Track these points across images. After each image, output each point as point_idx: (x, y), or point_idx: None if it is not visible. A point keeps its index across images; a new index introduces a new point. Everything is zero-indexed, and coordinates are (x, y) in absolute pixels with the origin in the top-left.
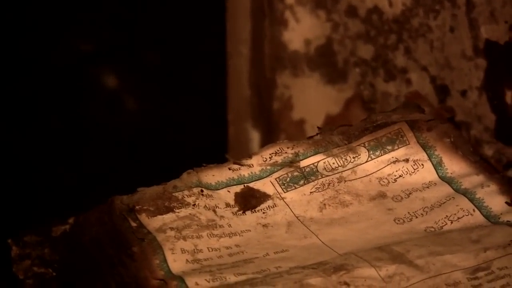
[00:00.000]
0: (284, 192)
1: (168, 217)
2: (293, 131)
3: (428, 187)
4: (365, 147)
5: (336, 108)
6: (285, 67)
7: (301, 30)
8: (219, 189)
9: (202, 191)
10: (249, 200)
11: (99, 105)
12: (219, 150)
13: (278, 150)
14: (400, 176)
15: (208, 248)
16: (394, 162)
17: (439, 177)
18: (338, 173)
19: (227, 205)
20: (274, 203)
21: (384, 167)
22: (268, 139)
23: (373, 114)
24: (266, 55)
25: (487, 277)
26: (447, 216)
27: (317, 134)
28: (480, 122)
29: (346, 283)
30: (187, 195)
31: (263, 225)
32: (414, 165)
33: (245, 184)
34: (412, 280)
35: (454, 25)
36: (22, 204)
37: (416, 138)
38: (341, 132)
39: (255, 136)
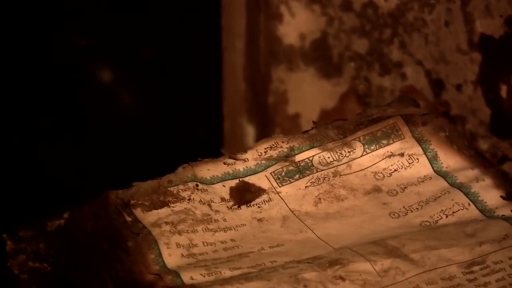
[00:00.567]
0: (279, 187)
1: (163, 211)
2: (288, 126)
3: (423, 181)
4: (360, 142)
5: (331, 102)
6: (280, 62)
7: (296, 25)
8: (214, 184)
9: (197, 185)
10: (244, 194)
11: (95, 100)
12: (214, 145)
13: (273, 145)
14: (395, 170)
15: (203, 242)
16: (389, 156)
17: (434, 171)
18: (333, 167)
19: (222, 199)
20: (269, 198)
21: (379, 161)
22: (263, 134)
23: (368, 108)
24: (261, 50)
25: (483, 271)
26: (442, 210)
27: (312, 128)
28: (475, 116)
29: (341, 278)
30: (182, 190)
31: (258, 220)
32: (409, 159)
33: (240, 179)
34: (408, 274)
35: (449, 19)
36: (17, 199)
37: (411, 132)
38: (336, 126)
39: (250, 131)
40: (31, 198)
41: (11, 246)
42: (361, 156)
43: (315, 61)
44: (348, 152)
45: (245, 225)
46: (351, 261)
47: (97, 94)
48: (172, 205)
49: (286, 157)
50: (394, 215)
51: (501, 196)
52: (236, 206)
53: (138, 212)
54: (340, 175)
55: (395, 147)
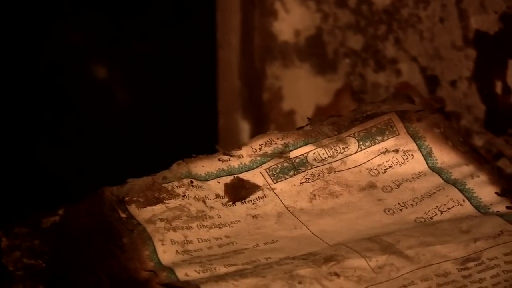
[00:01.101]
0: (274, 183)
1: (158, 208)
2: (283, 122)
3: (418, 178)
4: (355, 138)
5: (326, 98)
6: (275, 58)
7: (291, 21)
8: (209, 180)
9: (192, 182)
10: (239, 191)
11: (89, 96)
12: (209, 141)
13: (268, 141)
14: (390, 166)
15: (198, 239)
16: (384, 152)
17: (429, 167)
18: (328, 163)
19: (217, 196)
20: (264, 194)
21: (374, 157)
22: (258, 130)
23: (363, 104)
24: (256, 46)
25: (477, 267)
26: (437, 206)
27: (307, 124)
28: (470, 112)
29: (336, 274)
30: (176, 186)
31: (253, 216)
32: (404, 155)
33: (235, 175)
34: (402, 271)
35: (444, 15)
36: (12, 195)
37: (406, 129)
38: (331, 122)
39: (245, 127)
40: (26, 195)
41: (6, 243)
42: (355, 153)
43: (310, 57)
44: (343, 148)
45: (240, 221)
46: (346, 257)
47: (91, 91)
48: (166, 201)
49: (281, 154)
50: (389, 211)
51: (496, 193)
52: (230, 203)
53: (132, 208)
54: (335, 172)
55: (389, 143)
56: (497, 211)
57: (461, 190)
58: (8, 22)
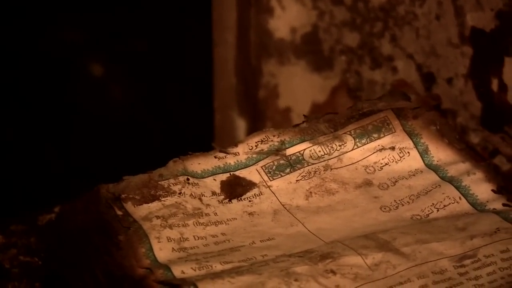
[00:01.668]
0: (270, 180)
1: (154, 205)
2: (279, 119)
3: (414, 175)
4: (351, 135)
5: (322, 96)
6: (271, 55)
7: (287, 18)
8: (205, 178)
9: (188, 179)
10: (235, 188)
11: (86, 93)
12: (205, 138)
13: (264, 138)
14: (386, 164)
15: (194, 236)
16: (380, 150)
17: (425, 164)
18: (324, 161)
19: (213, 193)
20: (260, 191)
21: (370, 155)
22: (254, 127)
23: (359, 102)
24: (252, 43)
25: (474, 264)
26: (433, 204)
27: (303, 122)
28: (466, 109)
29: (332, 271)
30: (173, 184)
31: (249, 214)
32: (400, 153)
33: (231, 173)
34: (399, 268)
35: (440, 12)
36: (8, 193)
37: (402, 126)
38: (327, 120)
39: (241, 124)
40: (22, 192)
41: (2, 240)
42: (352, 150)
43: (306, 54)
44: (339, 145)
45: (236, 219)
46: (342, 255)
47: (88, 87)
48: (163, 199)
49: (277, 151)
50: (385, 208)
51: (492, 190)
52: (227, 200)
53: (128, 206)
54: (331, 169)
55: (386, 140)
56: (494, 209)
57: (457, 188)
58: (5, 18)
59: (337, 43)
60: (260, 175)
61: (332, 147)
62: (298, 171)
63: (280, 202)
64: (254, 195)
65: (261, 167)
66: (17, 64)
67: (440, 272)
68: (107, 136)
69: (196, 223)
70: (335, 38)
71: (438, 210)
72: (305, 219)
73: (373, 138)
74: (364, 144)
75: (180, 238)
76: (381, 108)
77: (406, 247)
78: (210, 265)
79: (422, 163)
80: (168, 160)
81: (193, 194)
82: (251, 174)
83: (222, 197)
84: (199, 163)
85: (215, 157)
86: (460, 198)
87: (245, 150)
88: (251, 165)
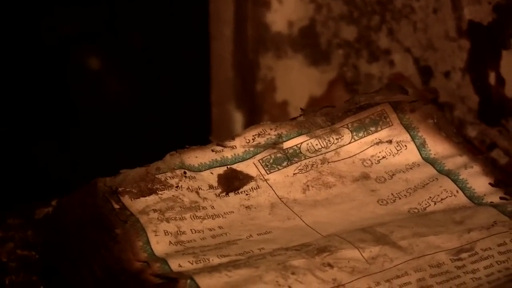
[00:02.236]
0: (267, 174)
1: (151, 199)
2: (276, 113)
3: (411, 168)
4: (348, 129)
5: (319, 89)
6: (268, 49)
7: (284, 12)
8: (202, 171)
9: (185, 173)
10: (232, 181)
11: (82, 87)
12: (203, 132)
13: (261, 132)
14: (383, 157)
15: (191, 230)
16: (377, 143)
17: (423, 158)
18: (321, 154)
19: (210, 187)
20: (257, 185)
21: (367, 148)
22: (251, 121)
23: (356, 95)
24: (249, 37)
25: (471, 258)
26: (430, 197)
27: (300, 115)
28: (463, 103)
29: (329, 265)
30: (170, 177)
31: (246, 207)
32: (397, 146)
33: (228, 166)
34: (396, 261)
35: (437, 6)
36: (4, 186)
37: (400, 119)
38: (324, 113)
39: (238, 118)
40: (19, 186)
41: None
42: (349, 143)
43: (303, 48)
44: (336, 139)
45: (233, 212)
46: (339, 248)
47: (84, 81)
48: (160, 192)
49: (274, 144)
50: (382, 202)
51: (490, 183)
52: (224, 194)
53: (126, 199)
54: (328, 162)
55: (383, 134)
56: (491, 202)
57: (454, 181)
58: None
59: (334, 36)
60: (257, 169)
61: (329, 141)
62: (295, 164)
63: (277, 196)
64: (251, 188)
65: (258, 160)
66: (12, 58)
67: (437, 266)
68: (104, 130)
69: (193, 216)
70: (333, 32)
71: (435, 204)
72: (302, 212)
73: (370, 131)
74: (361, 137)
75: (177, 231)
76: (378, 101)
77: (403, 240)
78: (207, 259)
79: (419, 157)
80: (165, 154)
81: (190, 187)
82: (248, 167)
83: (219, 190)
84: (196, 157)
85: (212, 150)
86: (457, 191)
87: (242, 144)
88: (248, 159)
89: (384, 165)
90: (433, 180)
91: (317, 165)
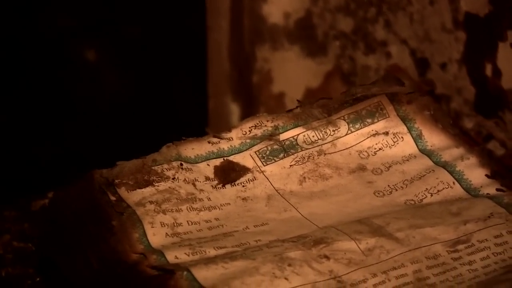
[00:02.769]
0: (264, 166)
1: (148, 190)
2: (273, 105)
3: (408, 160)
4: (344, 120)
5: (316, 81)
6: (264, 41)
7: (281, 3)
8: (198, 163)
9: (181, 164)
10: (228, 173)
11: (78, 79)
12: (199, 124)
13: (257, 123)
14: (380, 149)
15: (187, 221)
16: (374, 135)
17: (419, 149)
18: (317, 146)
19: (207, 178)
20: (254, 177)
21: (364, 140)
22: (247, 113)
23: (353, 87)
24: (246, 29)
25: (467, 249)
26: (427, 189)
27: (296, 107)
28: (460, 95)
29: (326, 256)
30: (166, 169)
31: (243, 199)
32: (394, 138)
33: (225, 158)
34: (392, 253)
35: None
36: (1, 179)
37: (396, 111)
38: (321, 105)
39: (234, 110)
40: (15, 178)
41: None
42: (345, 135)
43: (299, 40)
44: (333, 131)
45: (230, 204)
46: (336, 240)
47: (81, 73)
48: (156, 184)
49: (271, 136)
50: (378, 193)
51: (486, 175)
52: (220, 185)
53: (122, 191)
54: (325, 154)
55: (379, 125)
56: (487, 194)
57: (451, 173)
58: None
59: (331, 28)
60: (254, 160)
61: (325, 132)
62: (292, 156)
63: (274, 187)
64: (248, 180)
65: (255, 152)
66: (9, 50)
67: (433, 257)
68: (100, 121)
69: (189, 208)
70: (329, 23)
71: (431, 195)
72: (299, 204)
73: (366, 123)
74: (358, 129)
75: (173, 223)
76: (375, 93)
77: (399, 232)
78: (203, 250)
79: (416, 148)
80: (161, 145)
81: (186, 179)
82: (244, 159)
83: (216, 182)
84: (193, 148)
85: (209, 142)
86: (453, 183)
87: (239, 135)
88: (244, 150)
89: (380, 157)
90: (430, 171)
91: (313, 157)
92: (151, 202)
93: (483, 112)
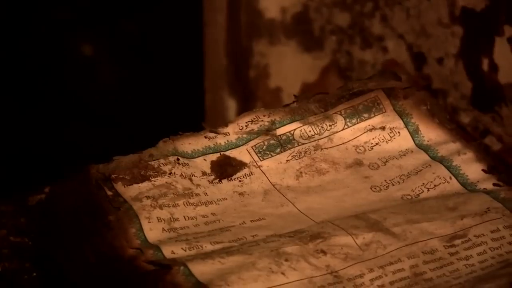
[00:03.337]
0: (261, 160)
1: (144, 185)
2: (270, 99)
3: (404, 155)
4: (341, 115)
5: (313, 76)
6: (261, 35)
7: None
8: (195, 158)
9: (178, 159)
10: (225, 168)
11: (76, 74)
12: (196, 119)
13: (254, 118)
14: (376, 143)
15: (184, 216)
16: (370, 129)
17: (416, 144)
18: (314, 141)
19: (204, 173)
20: (251, 171)
21: (361, 134)
22: (244, 107)
23: (350, 82)
24: (243, 24)
25: (464, 244)
26: (423, 183)
27: (293, 102)
28: (456, 89)
29: (323, 251)
30: (163, 164)
31: (240, 194)
32: (390, 132)
33: (222, 153)
34: (389, 248)
35: None
36: None
37: (393, 106)
38: (318, 100)
39: (231, 105)
40: (12, 173)
41: None
42: (342, 130)
43: (296, 34)
44: (329, 125)
45: (226, 199)
46: (333, 234)
47: (78, 68)
48: (153, 179)
49: (267, 131)
50: (375, 188)
51: (483, 170)
52: (217, 180)
53: (119, 186)
54: (321, 149)
55: (376, 120)
56: (484, 188)
57: (447, 167)
58: None
59: (327, 23)
60: (251, 155)
61: (322, 127)
62: (289, 151)
63: (271, 182)
64: (245, 175)
65: (252, 147)
66: (5, 44)
67: (430, 252)
68: (96, 116)
69: (186, 203)
70: (326, 18)
71: (428, 190)
72: (296, 199)
73: (363, 118)
74: (355, 124)
75: (170, 218)
76: (371, 88)
77: (396, 227)
78: (200, 245)
79: (413, 143)
80: (158, 140)
81: (183, 174)
82: (241, 154)
83: (213, 177)
84: (190, 143)
85: (206, 137)
86: (450, 178)
87: (236, 130)
88: (241, 145)
89: (377, 152)
90: (426, 166)
91: (310, 152)
92: (147, 197)
93: (480, 107)
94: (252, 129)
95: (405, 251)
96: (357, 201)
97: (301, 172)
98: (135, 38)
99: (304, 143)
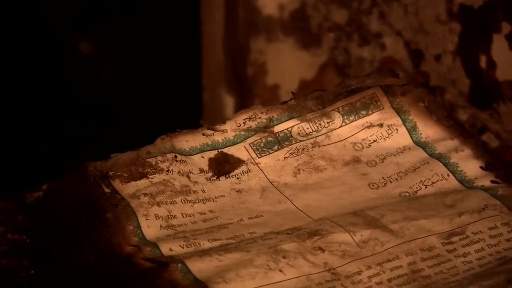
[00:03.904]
0: (258, 158)
1: (142, 183)
2: (267, 96)
3: (402, 152)
4: (339, 112)
5: (310, 73)
6: (259, 32)
7: None
8: (193, 155)
9: (175, 156)
10: (223, 165)
11: (73, 72)
12: (193, 116)
13: (252, 115)
14: (374, 141)
15: (182, 214)
16: (368, 127)
17: (414, 141)
18: (312, 138)
19: (201, 170)
20: (248, 169)
21: (358, 132)
22: (242, 105)
23: (347, 79)
24: (240, 21)
25: (462, 241)
26: (421, 181)
27: (291, 99)
28: (454, 86)
29: (320, 248)
30: (160, 161)
31: (237, 191)
32: (388, 129)
33: (219, 150)
34: (387, 245)
35: None
36: None
37: (390, 103)
38: (315, 97)
39: (229, 102)
40: (10, 170)
41: None
42: (340, 127)
43: (294, 31)
44: (327, 123)
45: (224, 196)
46: (331, 232)
47: (75, 66)
48: (150, 176)
49: (265, 128)
50: (373, 185)
51: (481, 167)
52: (215, 177)
53: (116, 183)
54: (319, 146)
55: (374, 117)
56: (482, 185)
57: (445, 165)
58: None
59: (325, 20)
60: (248, 152)
61: (320, 124)
62: (286, 148)
63: (268, 179)
64: (242, 172)
65: (249, 144)
66: (4, 43)
67: (428, 249)
68: (94, 113)
69: (184, 200)
70: (323, 15)
71: (426, 187)
72: (293, 196)
73: (361, 115)
74: (352, 121)
75: (168, 215)
76: (369, 85)
77: (394, 224)
78: (198, 243)
79: (410, 140)
80: (156, 138)
81: (181, 171)
82: (239, 151)
83: (210, 174)
84: (187, 140)
85: (203, 134)
86: (448, 175)
87: (233, 127)
88: (239, 142)
89: (375, 149)
90: (424, 163)
91: (308, 149)
92: (145, 195)
93: (478, 104)
94: (250, 126)
95: (403, 248)
96: (355, 198)
97: (298, 169)
98: (132, 35)
99: (301, 140)
